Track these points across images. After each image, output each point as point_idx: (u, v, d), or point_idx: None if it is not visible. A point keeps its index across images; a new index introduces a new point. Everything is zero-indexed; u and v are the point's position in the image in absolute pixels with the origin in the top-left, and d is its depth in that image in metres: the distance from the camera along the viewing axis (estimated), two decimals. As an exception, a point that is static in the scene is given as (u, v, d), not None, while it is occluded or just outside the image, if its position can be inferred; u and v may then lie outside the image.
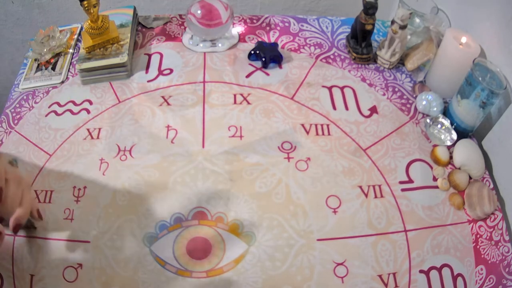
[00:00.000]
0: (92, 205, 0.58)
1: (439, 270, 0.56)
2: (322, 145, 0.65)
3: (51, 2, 1.04)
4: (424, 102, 0.70)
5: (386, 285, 0.55)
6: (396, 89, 0.74)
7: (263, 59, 0.74)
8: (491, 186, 0.64)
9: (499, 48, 0.67)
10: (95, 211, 0.58)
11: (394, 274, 0.55)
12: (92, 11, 0.69)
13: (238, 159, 0.63)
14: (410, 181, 0.63)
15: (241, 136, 0.66)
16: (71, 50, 0.78)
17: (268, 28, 0.83)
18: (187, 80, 0.73)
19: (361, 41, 0.76)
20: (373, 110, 0.71)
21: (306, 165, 0.63)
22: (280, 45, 0.79)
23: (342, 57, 0.79)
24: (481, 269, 0.57)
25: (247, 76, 0.74)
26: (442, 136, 0.67)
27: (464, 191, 0.63)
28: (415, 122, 0.70)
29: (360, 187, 0.62)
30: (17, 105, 0.71)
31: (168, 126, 0.66)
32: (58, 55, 0.77)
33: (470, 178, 0.64)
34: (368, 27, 0.73)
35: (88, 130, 0.66)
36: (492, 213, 0.61)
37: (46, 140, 0.65)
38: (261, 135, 0.66)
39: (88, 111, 0.69)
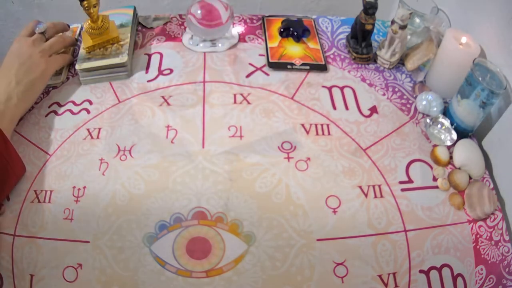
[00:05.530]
0: (92, 205, 0.58)
1: (439, 270, 0.56)
2: (322, 145, 0.65)
3: (51, 2, 1.04)
4: (424, 102, 0.70)
5: (386, 285, 0.55)
6: (396, 89, 0.74)
7: (295, 34, 0.78)
8: (491, 186, 0.64)
9: (499, 48, 0.67)
10: (95, 211, 0.58)
11: (394, 274, 0.55)
12: (92, 11, 0.69)
13: (238, 159, 0.63)
14: (410, 181, 0.63)
15: (241, 136, 0.66)
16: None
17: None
18: (187, 80, 0.73)
19: (361, 41, 0.76)
20: (373, 110, 0.71)
21: (306, 165, 0.63)
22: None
23: (342, 57, 0.79)
24: (481, 269, 0.57)
25: (247, 76, 0.74)
26: (442, 136, 0.67)
27: (464, 191, 0.63)
28: (415, 122, 0.70)
29: (360, 187, 0.62)
30: (17, 105, 0.70)
31: (168, 126, 0.66)
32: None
33: (470, 178, 0.64)
34: (368, 27, 0.73)
35: (88, 130, 0.66)
36: (492, 213, 0.61)
37: (46, 140, 0.65)
38: (261, 135, 0.66)
39: (88, 111, 0.69)
